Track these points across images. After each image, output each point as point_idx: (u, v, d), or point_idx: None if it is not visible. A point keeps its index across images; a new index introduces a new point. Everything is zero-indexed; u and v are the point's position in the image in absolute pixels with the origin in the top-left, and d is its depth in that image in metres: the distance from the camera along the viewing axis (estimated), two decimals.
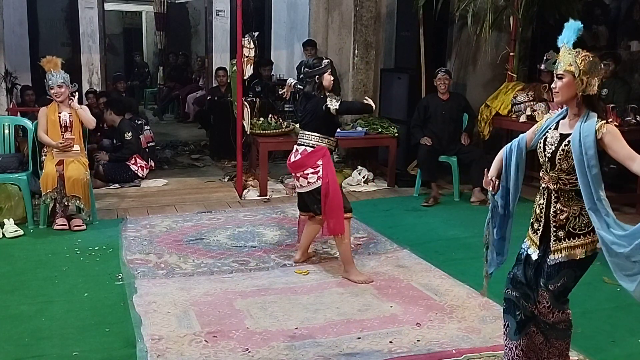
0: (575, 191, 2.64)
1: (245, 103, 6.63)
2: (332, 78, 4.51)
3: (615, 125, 6.06)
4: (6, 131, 5.68)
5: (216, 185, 7.10)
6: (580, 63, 2.58)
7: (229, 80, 8.50)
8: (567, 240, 2.66)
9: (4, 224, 5.13)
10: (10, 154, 5.60)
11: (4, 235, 5.04)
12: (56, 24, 10.92)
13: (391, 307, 3.78)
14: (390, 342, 3.32)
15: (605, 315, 3.70)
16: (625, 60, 6.96)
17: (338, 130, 6.99)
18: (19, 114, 6.93)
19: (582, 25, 2.66)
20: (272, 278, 4.24)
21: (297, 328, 3.47)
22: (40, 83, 5.85)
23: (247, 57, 6.41)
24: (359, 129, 7.00)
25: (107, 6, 11.03)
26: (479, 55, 7.48)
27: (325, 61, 4.51)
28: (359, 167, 7.21)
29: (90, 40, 9.26)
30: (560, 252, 2.67)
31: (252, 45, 6.45)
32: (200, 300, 3.83)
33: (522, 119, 6.35)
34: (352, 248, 4.86)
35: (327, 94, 4.46)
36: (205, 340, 3.31)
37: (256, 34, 6.63)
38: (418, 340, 3.34)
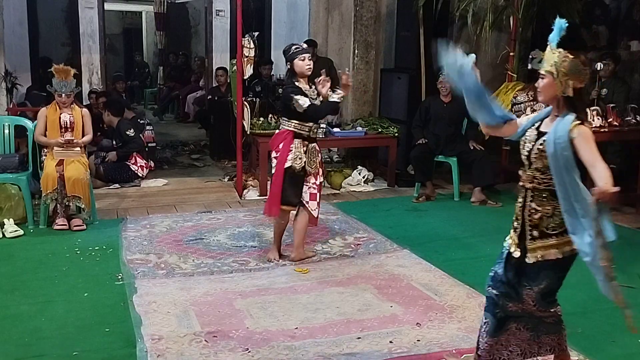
0: (549, 191, 2.63)
1: (245, 103, 6.63)
2: (309, 65, 4.36)
3: (615, 125, 6.11)
4: (6, 131, 5.68)
5: (216, 185, 7.10)
6: (561, 64, 2.56)
7: (229, 80, 8.50)
8: (541, 240, 2.66)
9: (4, 224, 5.13)
10: (10, 154, 5.60)
11: (4, 235, 5.04)
12: (56, 24, 10.91)
13: (391, 307, 3.78)
14: (390, 342, 3.32)
15: (605, 315, 3.69)
16: (625, 60, 6.96)
17: (338, 130, 7.03)
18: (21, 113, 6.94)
19: (569, 24, 2.65)
20: (272, 278, 4.24)
21: (297, 328, 3.47)
22: (40, 83, 5.87)
23: (247, 57, 6.41)
24: (359, 129, 7.00)
25: (107, 6, 11.01)
26: (479, 55, 7.44)
27: (295, 46, 4.44)
28: (359, 167, 7.21)
29: (90, 40, 9.26)
30: (535, 252, 2.67)
31: (252, 45, 6.45)
32: (200, 300, 3.83)
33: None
34: (352, 248, 4.88)
35: (323, 86, 4.40)
36: (205, 340, 3.31)
37: (256, 34, 6.63)
38: (418, 340, 3.34)
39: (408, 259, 4.66)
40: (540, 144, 2.63)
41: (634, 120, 5.88)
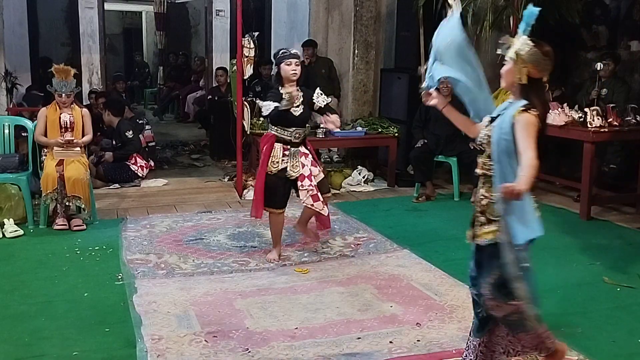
0: None
1: (245, 103, 6.63)
2: (294, 70, 4.38)
3: (615, 125, 6.10)
4: (6, 131, 5.68)
5: (216, 185, 7.11)
6: (523, 52, 2.57)
7: (229, 80, 8.50)
8: (486, 226, 2.65)
9: (4, 224, 5.13)
10: (10, 154, 5.60)
11: (4, 235, 5.04)
12: (56, 24, 10.92)
13: (391, 307, 3.78)
14: (390, 342, 3.32)
15: (605, 315, 3.70)
16: (625, 60, 6.96)
17: (338, 130, 7.02)
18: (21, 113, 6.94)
19: (539, 10, 2.61)
20: (272, 278, 4.24)
21: (297, 328, 3.47)
22: (40, 83, 5.87)
23: (247, 57, 6.42)
24: (359, 129, 7.01)
25: (107, 6, 11.01)
26: (479, 55, 7.45)
27: (283, 50, 4.48)
28: (359, 167, 7.21)
29: (90, 40, 9.26)
30: (480, 238, 2.67)
31: (252, 45, 6.46)
32: (200, 300, 3.83)
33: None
34: (352, 247, 4.88)
35: (317, 90, 4.54)
36: (205, 340, 3.31)
37: (256, 34, 6.63)
38: (418, 340, 3.34)
39: (408, 259, 4.66)
40: (488, 130, 2.64)
41: (634, 120, 5.87)
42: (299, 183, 4.43)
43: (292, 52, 4.48)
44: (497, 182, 2.54)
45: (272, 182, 4.42)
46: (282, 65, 4.39)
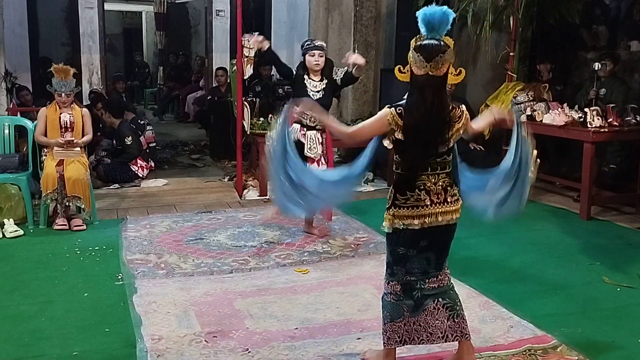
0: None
1: (245, 103, 6.63)
2: (317, 61, 4.72)
3: (615, 125, 6.10)
4: (6, 131, 5.68)
5: (216, 185, 7.11)
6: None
7: (229, 80, 8.51)
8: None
9: (4, 224, 5.13)
10: (10, 154, 5.61)
11: (4, 235, 5.04)
12: (56, 24, 10.90)
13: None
14: None
15: (605, 315, 3.70)
16: (625, 60, 6.96)
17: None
18: (19, 114, 6.94)
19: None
20: (272, 278, 4.24)
21: (297, 328, 3.47)
22: (40, 83, 5.87)
23: (247, 57, 6.42)
24: None
25: (107, 6, 11.03)
26: (479, 55, 7.48)
27: (308, 42, 4.82)
28: None
29: (90, 40, 9.26)
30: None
31: (252, 45, 6.44)
32: (200, 300, 3.83)
33: (522, 119, 6.35)
34: (352, 248, 4.88)
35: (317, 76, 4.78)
36: (205, 340, 3.31)
37: (256, 34, 6.62)
38: None
39: None
40: None
41: (634, 120, 5.87)
42: (308, 165, 4.63)
43: (316, 44, 4.82)
44: None
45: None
46: (307, 56, 4.75)
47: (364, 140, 2.91)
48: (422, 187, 2.76)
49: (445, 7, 2.69)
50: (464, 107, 2.82)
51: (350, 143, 2.83)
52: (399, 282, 2.88)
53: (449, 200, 2.81)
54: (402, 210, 2.77)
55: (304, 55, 4.80)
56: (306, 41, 4.91)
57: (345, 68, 4.82)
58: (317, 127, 4.78)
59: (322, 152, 4.83)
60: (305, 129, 4.76)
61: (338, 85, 4.89)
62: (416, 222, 2.76)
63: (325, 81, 4.79)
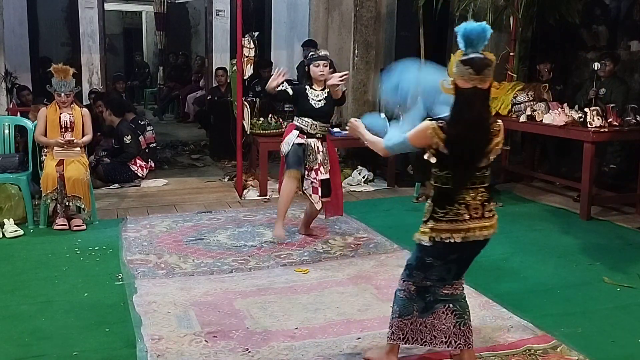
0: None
1: (245, 103, 6.64)
2: (322, 71, 4.79)
3: (615, 125, 6.11)
4: (6, 131, 5.68)
5: (216, 185, 7.11)
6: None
7: (229, 80, 8.51)
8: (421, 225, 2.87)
9: (4, 224, 5.13)
10: (10, 154, 5.60)
11: (4, 235, 5.04)
12: (56, 24, 10.91)
13: (391, 307, 3.77)
14: None
15: (605, 315, 3.70)
16: (625, 60, 6.96)
17: (338, 130, 7.04)
18: (19, 114, 6.94)
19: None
20: (272, 278, 4.24)
21: (297, 328, 3.47)
22: (40, 83, 5.87)
23: (247, 57, 6.42)
24: None
25: (107, 6, 11.02)
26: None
27: (312, 52, 4.90)
28: (359, 167, 7.21)
29: (90, 40, 9.27)
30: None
31: (252, 45, 6.46)
32: (200, 300, 3.83)
33: (522, 118, 6.35)
34: (352, 248, 4.88)
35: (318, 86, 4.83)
36: (205, 340, 3.31)
37: (256, 34, 6.64)
38: None
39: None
40: None
41: (634, 120, 5.87)
42: (306, 172, 4.83)
43: (320, 54, 4.89)
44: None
45: (287, 153, 4.82)
46: (311, 67, 4.83)
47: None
48: (462, 202, 2.74)
49: (484, 24, 2.70)
50: (500, 122, 2.80)
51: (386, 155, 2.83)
52: (414, 284, 2.91)
53: (486, 215, 2.78)
54: (442, 224, 2.75)
55: (308, 65, 4.88)
56: (310, 52, 4.96)
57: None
58: (317, 135, 4.84)
59: (322, 160, 4.85)
60: (305, 137, 4.82)
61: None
62: (456, 236, 2.73)
63: (327, 90, 4.83)
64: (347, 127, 3.07)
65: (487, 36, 2.70)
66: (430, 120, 2.73)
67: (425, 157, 2.81)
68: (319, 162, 4.84)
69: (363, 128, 3.17)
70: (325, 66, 4.81)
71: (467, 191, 2.75)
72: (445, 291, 2.91)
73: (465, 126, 2.67)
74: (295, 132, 4.83)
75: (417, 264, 2.88)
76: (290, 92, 4.84)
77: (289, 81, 5.10)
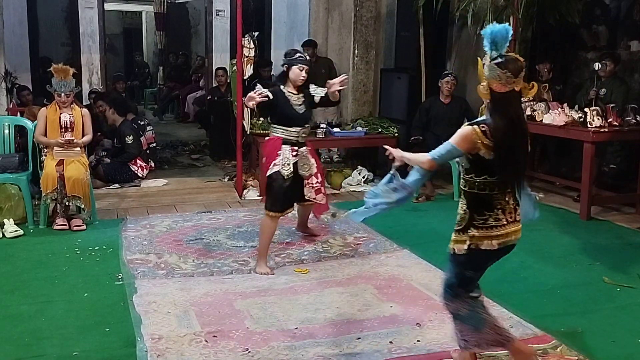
0: (463, 192, 2.79)
1: None
2: (304, 76, 4.40)
3: (615, 125, 6.11)
4: (6, 131, 5.68)
5: (216, 185, 7.11)
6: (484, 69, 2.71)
7: (228, 80, 8.50)
8: (454, 234, 2.80)
9: (4, 224, 5.13)
10: (10, 154, 5.60)
11: (4, 235, 5.04)
12: (56, 24, 10.90)
13: (391, 307, 3.78)
14: (390, 342, 3.32)
15: (605, 315, 3.70)
16: (625, 60, 6.96)
17: (338, 130, 7.03)
18: (18, 114, 6.94)
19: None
20: (272, 278, 4.24)
21: (297, 328, 3.47)
22: (40, 83, 5.86)
23: (247, 57, 6.42)
24: (359, 129, 7.00)
25: (107, 6, 11.01)
26: (479, 55, 7.47)
27: (299, 54, 4.46)
28: (359, 167, 7.21)
29: (90, 40, 9.26)
30: (449, 244, 2.81)
31: (252, 45, 6.46)
32: (200, 301, 3.83)
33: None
34: (352, 247, 4.88)
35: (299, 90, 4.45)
36: (205, 340, 3.31)
37: (256, 34, 6.63)
38: (418, 341, 3.34)
39: (408, 259, 4.66)
40: None
41: (634, 120, 5.87)
42: (306, 181, 4.55)
43: (306, 58, 4.50)
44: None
45: (281, 185, 4.37)
46: (294, 68, 4.39)
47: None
48: (499, 207, 2.71)
49: (507, 25, 2.69)
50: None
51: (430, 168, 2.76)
52: (462, 302, 2.83)
53: (517, 218, 2.78)
54: (482, 231, 2.71)
55: (290, 65, 4.41)
56: (297, 53, 4.49)
57: (325, 89, 4.50)
58: (304, 143, 4.53)
59: (314, 163, 4.61)
60: (297, 148, 4.44)
61: (315, 103, 4.54)
62: (494, 242, 2.70)
63: (302, 94, 4.47)
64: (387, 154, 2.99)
65: (510, 37, 2.68)
66: (469, 124, 2.68)
67: (458, 162, 2.78)
68: (315, 167, 4.59)
69: (401, 151, 3.02)
70: (307, 72, 4.43)
71: (502, 195, 2.72)
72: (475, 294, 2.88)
73: (511, 130, 2.64)
74: (286, 148, 4.39)
75: (458, 281, 2.81)
76: (270, 95, 4.29)
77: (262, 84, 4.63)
